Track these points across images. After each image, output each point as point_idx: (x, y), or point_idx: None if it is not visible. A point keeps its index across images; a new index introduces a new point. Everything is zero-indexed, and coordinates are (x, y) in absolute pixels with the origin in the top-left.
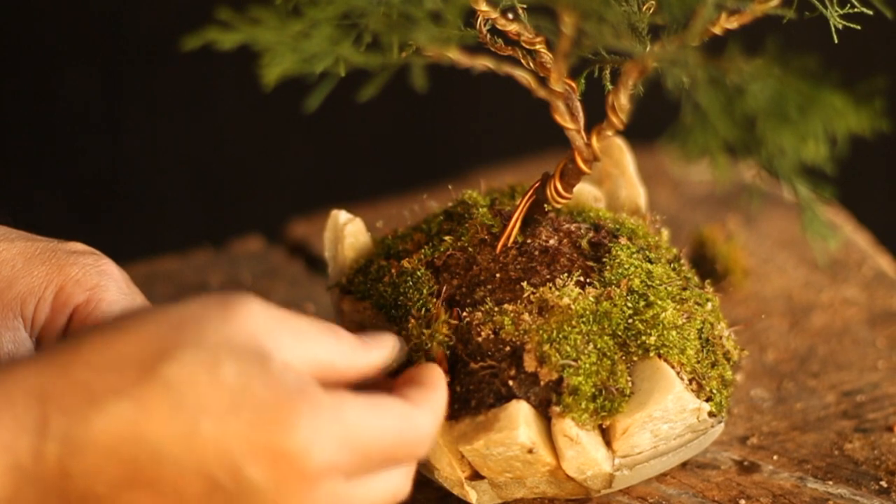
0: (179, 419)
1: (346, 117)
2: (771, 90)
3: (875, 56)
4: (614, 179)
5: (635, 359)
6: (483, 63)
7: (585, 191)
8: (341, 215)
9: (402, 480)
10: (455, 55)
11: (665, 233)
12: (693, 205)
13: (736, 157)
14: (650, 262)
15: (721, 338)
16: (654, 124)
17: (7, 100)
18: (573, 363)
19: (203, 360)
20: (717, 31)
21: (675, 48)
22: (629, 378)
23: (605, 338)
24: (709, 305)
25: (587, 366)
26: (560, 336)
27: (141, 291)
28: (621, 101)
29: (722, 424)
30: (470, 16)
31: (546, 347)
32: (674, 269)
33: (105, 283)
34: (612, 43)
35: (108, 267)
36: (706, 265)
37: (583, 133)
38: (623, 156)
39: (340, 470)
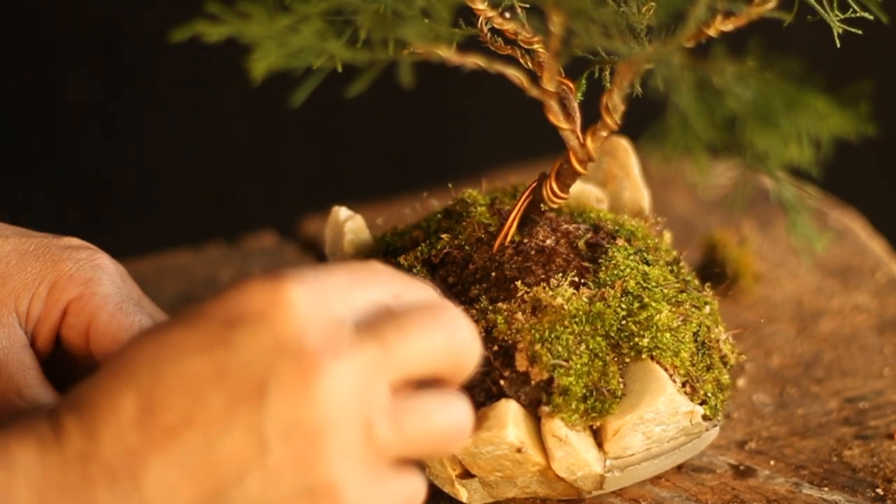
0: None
1: (367, 115)
2: (754, 92)
3: (869, 59)
4: (619, 181)
5: (628, 360)
6: (474, 61)
7: (588, 191)
8: (342, 212)
9: (461, 405)
10: (445, 53)
11: (668, 235)
12: (709, 208)
13: (718, 158)
14: (647, 263)
15: (718, 341)
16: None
17: (9, 98)
18: (564, 363)
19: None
20: (711, 33)
21: (662, 49)
22: (621, 379)
23: (598, 339)
24: (707, 308)
25: (578, 366)
26: (552, 336)
27: (150, 285)
28: (615, 102)
29: (717, 428)
30: (464, 14)
31: (538, 347)
32: (672, 272)
33: (99, 277)
34: (602, 43)
35: (103, 261)
36: (716, 269)
37: (579, 133)
38: (628, 157)
39: (377, 363)
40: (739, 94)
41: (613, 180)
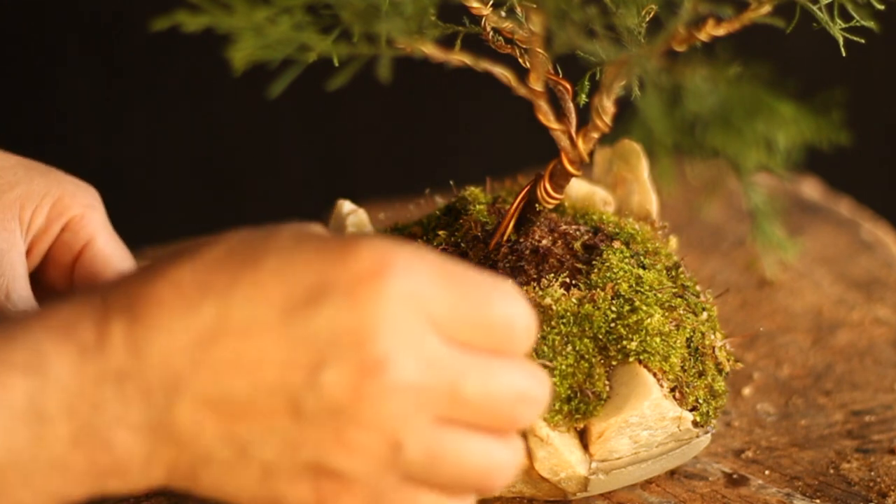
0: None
1: (390, 113)
2: (720, 96)
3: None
4: (628, 185)
5: (615, 363)
6: (459, 58)
7: (596, 193)
8: (345, 206)
9: (504, 454)
10: (429, 49)
11: (673, 240)
12: (741, 217)
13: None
14: (643, 267)
15: (713, 348)
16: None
17: (8, 97)
18: (548, 364)
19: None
20: (702, 37)
21: (641, 52)
22: (607, 382)
23: (586, 340)
24: (704, 315)
25: (563, 367)
26: (538, 336)
27: None
28: (604, 104)
29: (709, 435)
30: (459, 12)
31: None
32: (670, 277)
33: (97, 204)
34: (584, 44)
35: (96, 194)
36: None
37: (571, 133)
38: (639, 162)
39: (429, 398)
40: (703, 98)
41: (623, 184)
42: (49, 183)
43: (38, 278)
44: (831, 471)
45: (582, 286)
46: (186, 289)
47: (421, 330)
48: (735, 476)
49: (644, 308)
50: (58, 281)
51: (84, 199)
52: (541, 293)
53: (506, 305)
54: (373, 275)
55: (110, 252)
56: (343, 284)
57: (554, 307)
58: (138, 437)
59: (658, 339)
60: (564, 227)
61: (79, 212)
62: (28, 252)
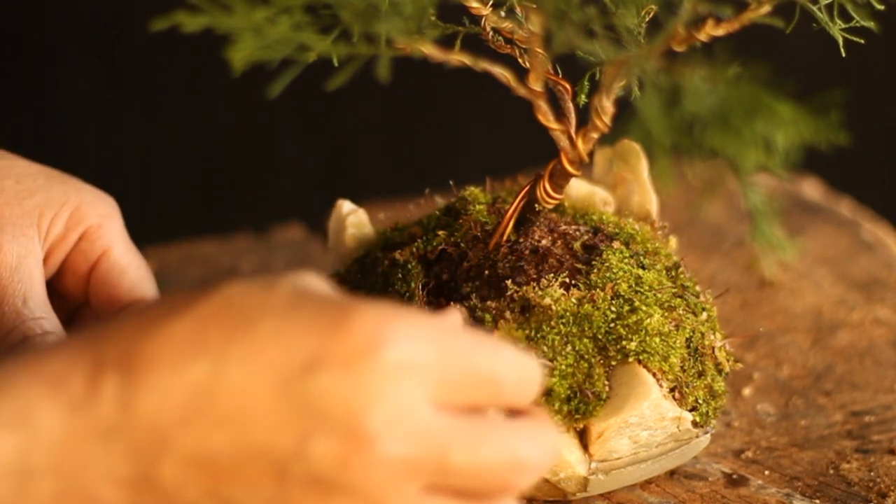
0: (254, 372)
1: (392, 113)
2: (718, 96)
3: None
4: (628, 185)
5: (614, 363)
6: (458, 58)
7: (596, 194)
8: (345, 206)
9: None
10: (429, 49)
11: (673, 240)
12: (741, 217)
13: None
14: (643, 267)
15: (713, 349)
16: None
17: (9, 96)
18: (549, 364)
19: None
20: (702, 37)
21: (641, 52)
22: (607, 382)
23: (585, 340)
24: (704, 315)
25: (563, 367)
26: (538, 336)
27: (173, 272)
28: (604, 104)
29: (709, 435)
30: (457, 12)
31: (523, 347)
32: (670, 277)
33: (114, 215)
34: (583, 44)
35: (114, 204)
36: None
37: (571, 133)
38: (639, 162)
39: (419, 470)
40: (702, 98)
41: (623, 184)
42: (68, 191)
43: (55, 286)
44: (831, 471)
45: (582, 286)
46: (179, 345)
47: (412, 403)
48: (735, 476)
49: (644, 308)
50: (73, 289)
51: (102, 208)
52: (540, 293)
53: (489, 359)
54: (368, 349)
55: (127, 262)
56: (338, 357)
57: (553, 307)
58: (122, 491)
59: (658, 340)
60: (564, 227)
61: (96, 221)
62: (45, 260)
